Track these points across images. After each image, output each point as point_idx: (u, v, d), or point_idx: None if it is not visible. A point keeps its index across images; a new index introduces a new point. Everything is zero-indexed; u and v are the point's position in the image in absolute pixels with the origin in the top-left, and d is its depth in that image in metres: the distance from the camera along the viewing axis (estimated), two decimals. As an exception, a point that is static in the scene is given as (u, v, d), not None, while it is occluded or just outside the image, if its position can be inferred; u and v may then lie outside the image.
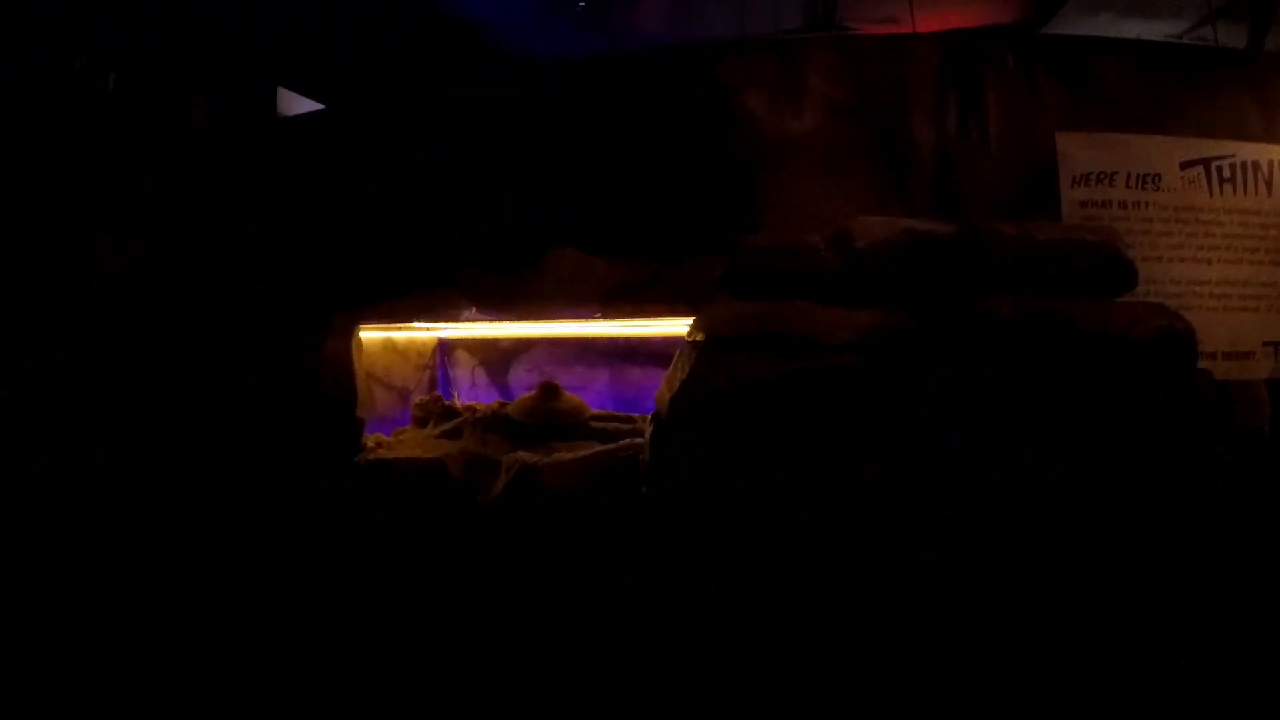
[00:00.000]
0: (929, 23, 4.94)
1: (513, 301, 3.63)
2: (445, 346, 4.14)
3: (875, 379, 2.49)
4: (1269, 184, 3.46)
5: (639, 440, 3.12)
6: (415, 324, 3.84)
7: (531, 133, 3.80)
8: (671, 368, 2.93)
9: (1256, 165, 3.46)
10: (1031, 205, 3.47)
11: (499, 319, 3.80)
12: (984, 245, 2.68)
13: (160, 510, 3.32)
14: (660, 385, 2.92)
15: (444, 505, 3.15)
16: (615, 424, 3.55)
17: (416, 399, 3.89)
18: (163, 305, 3.69)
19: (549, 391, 3.57)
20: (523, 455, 3.20)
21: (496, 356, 4.11)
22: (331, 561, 3.18)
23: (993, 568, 2.44)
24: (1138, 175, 3.46)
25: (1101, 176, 3.47)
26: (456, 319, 3.79)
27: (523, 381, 4.06)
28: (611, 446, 3.08)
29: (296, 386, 3.43)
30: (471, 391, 4.09)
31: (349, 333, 3.50)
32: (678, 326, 3.59)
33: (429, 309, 3.68)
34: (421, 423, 3.78)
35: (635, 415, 3.64)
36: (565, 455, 3.14)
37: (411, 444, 3.59)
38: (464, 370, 4.15)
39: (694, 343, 2.74)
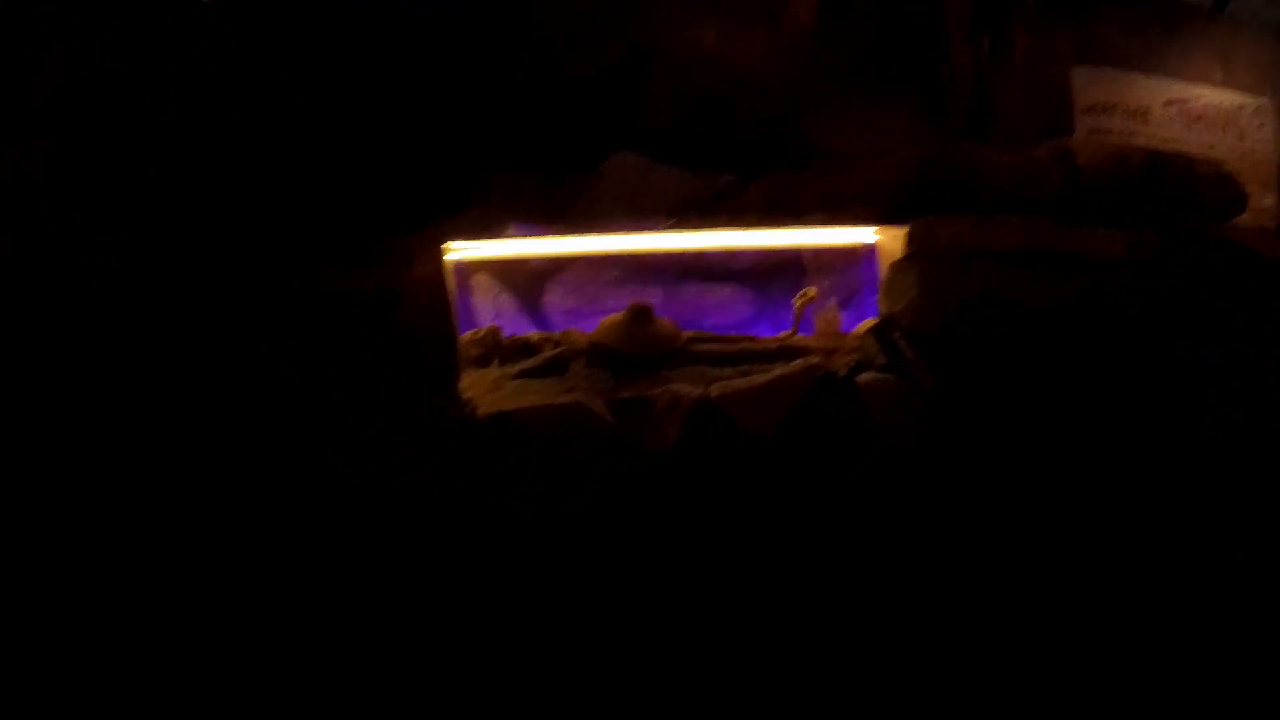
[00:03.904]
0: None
1: (563, 214, 3.13)
2: (462, 270, 3.43)
3: (1142, 295, 2.54)
4: (1224, 124, 4.14)
5: (814, 360, 2.89)
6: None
7: (575, 19, 3.22)
8: (894, 280, 2.75)
9: (1219, 108, 4.15)
10: (1048, 132, 3.75)
11: (545, 235, 3.24)
12: (1167, 172, 2.82)
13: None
14: (884, 298, 2.74)
15: (610, 463, 2.68)
16: (719, 345, 3.23)
17: (466, 334, 3.21)
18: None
19: (642, 314, 3.15)
20: (680, 388, 2.81)
21: (524, 279, 3.51)
22: (481, 555, 2.57)
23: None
24: (1131, 109, 3.91)
25: (1104, 108, 3.86)
26: (499, 235, 3.17)
27: (559, 306, 3.53)
28: (796, 367, 2.80)
29: (365, 324, 2.66)
30: (497, 322, 3.46)
31: (435, 256, 2.77)
32: (762, 240, 3.38)
33: (490, 224, 3.04)
34: (481, 361, 3.14)
35: (734, 335, 3.35)
36: (739, 382, 2.81)
37: (481, 390, 2.97)
38: (485, 297, 3.49)
39: (936, 255, 2.59)
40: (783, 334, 3.45)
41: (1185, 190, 2.88)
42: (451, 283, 3.10)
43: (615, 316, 3.17)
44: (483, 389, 2.97)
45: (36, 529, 2.33)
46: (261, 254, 2.64)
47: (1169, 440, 2.53)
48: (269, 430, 2.53)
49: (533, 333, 3.34)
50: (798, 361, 2.87)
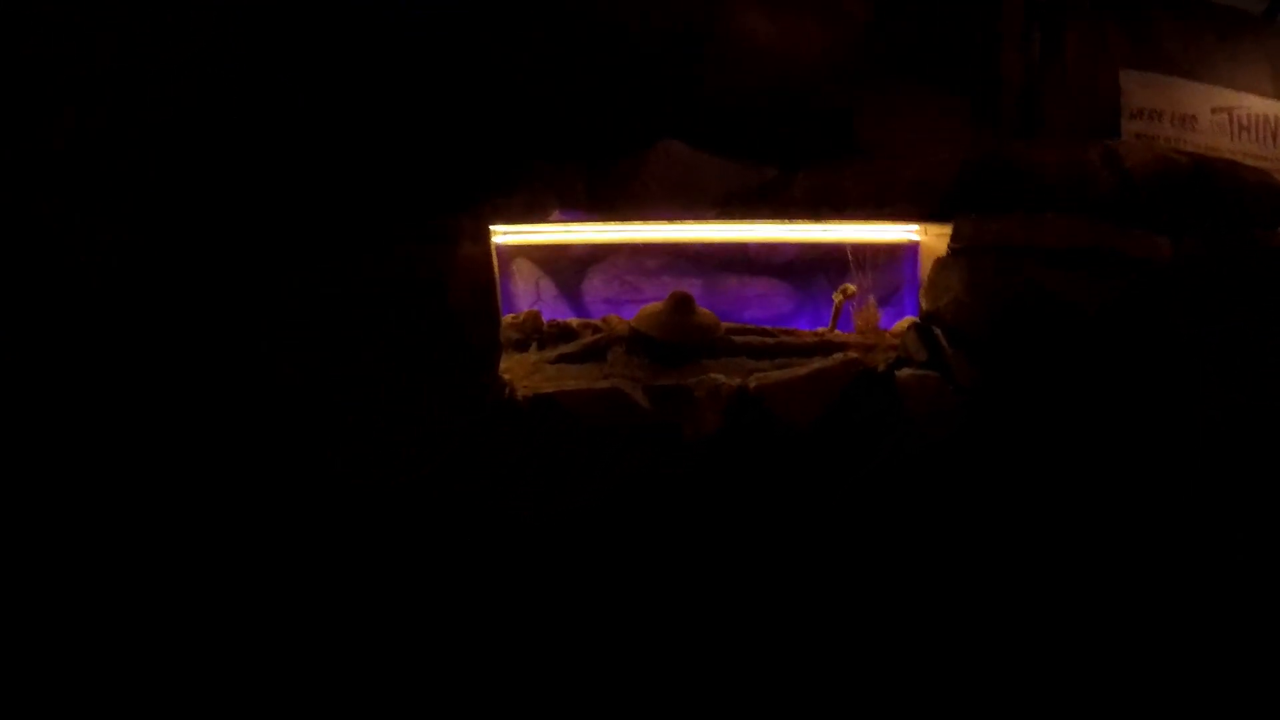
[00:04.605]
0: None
1: (606, 202, 3.14)
2: (503, 255, 3.46)
3: (1186, 299, 2.51)
4: (1274, 135, 4.07)
5: (853, 355, 2.88)
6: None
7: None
8: (937, 277, 2.74)
9: (1266, 118, 4.09)
10: (1095, 134, 3.70)
11: (588, 221, 3.26)
12: (1214, 179, 2.78)
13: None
14: (926, 295, 2.73)
15: (650, 449, 2.69)
16: (759, 338, 3.23)
17: (507, 317, 3.24)
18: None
19: (683, 303, 3.15)
20: (718, 377, 2.81)
21: (567, 266, 3.53)
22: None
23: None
24: (1179, 115, 3.86)
25: (1152, 113, 3.82)
26: (543, 220, 3.19)
27: (599, 294, 3.54)
28: (835, 361, 2.80)
29: (412, 306, 2.67)
30: (537, 307, 3.48)
31: (483, 237, 2.79)
32: (804, 234, 3.38)
33: (535, 209, 3.06)
34: (521, 345, 3.16)
35: (773, 328, 3.35)
36: (778, 374, 2.81)
37: (520, 373, 2.99)
38: (526, 282, 3.52)
39: (981, 252, 2.57)
40: (821, 329, 3.44)
41: (1232, 198, 2.83)
42: (495, 265, 3.13)
43: (656, 305, 3.18)
44: (521, 372, 2.99)
45: (37, 529, 2.34)
46: (264, 250, 2.61)
47: (1175, 428, 2.51)
48: (269, 430, 2.53)
49: (572, 318, 3.35)
50: (836, 356, 2.86)
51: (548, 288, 3.52)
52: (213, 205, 2.59)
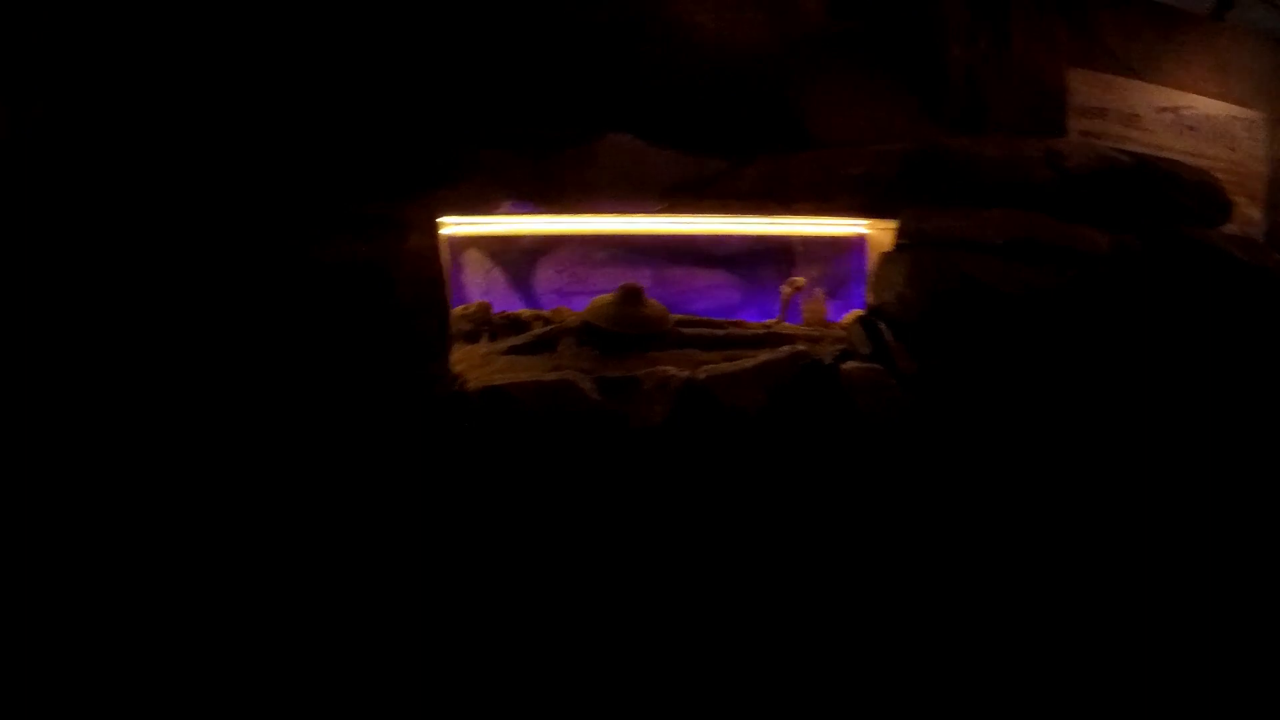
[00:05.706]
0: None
1: (554, 193, 3.14)
2: (454, 246, 3.44)
3: (1124, 292, 2.59)
4: (1216, 135, 4.24)
5: (800, 347, 2.92)
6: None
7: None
8: (882, 271, 2.79)
9: (1211, 118, 4.19)
10: (1041, 130, 3.78)
11: (537, 213, 3.26)
12: (1153, 177, 2.87)
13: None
14: (872, 289, 2.78)
15: (597, 439, 2.70)
16: (707, 330, 3.26)
17: (457, 309, 3.23)
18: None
19: (632, 295, 3.17)
20: (667, 369, 2.84)
21: (517, 257, 3.52)
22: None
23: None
24: (1124, 114, 3.97)
25: (1097, 111, 3.93)
26: (492, 211, 3.19)
27: (550, 284, 3.55)
28: (783, 354, 2.84)
29: (355, 298, 2.64)
30: (488, 298, 3.48)
31: (430, 228, 2.78)
32: (753, 227, 3.42)
33: (483, 200, 3.05)
34: (471, 337, 3.16)
35: (721, 320, 3.39)
36: (728, 366, 2.84)
37: (471, 364, 3.00)
38: (476, 273, 3.50)
39: (924, 247, 2.63)
40: (770, 321, 3.49)
41: (1170, 195, 2.93)
42: (445, 256, 3.11)
43: (606, 296, 3.20)
44: (472, 363, 2.99)
45: (35, 529, 2.31)
46: (258, 243, 2.59)
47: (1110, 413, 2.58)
48: (269, 429, 2.52)
49: (523, 310, 3.35)
50: (784, 348, 2.90)
51: (498, 278, 3.52)
52: (197, 204, 2.56)
